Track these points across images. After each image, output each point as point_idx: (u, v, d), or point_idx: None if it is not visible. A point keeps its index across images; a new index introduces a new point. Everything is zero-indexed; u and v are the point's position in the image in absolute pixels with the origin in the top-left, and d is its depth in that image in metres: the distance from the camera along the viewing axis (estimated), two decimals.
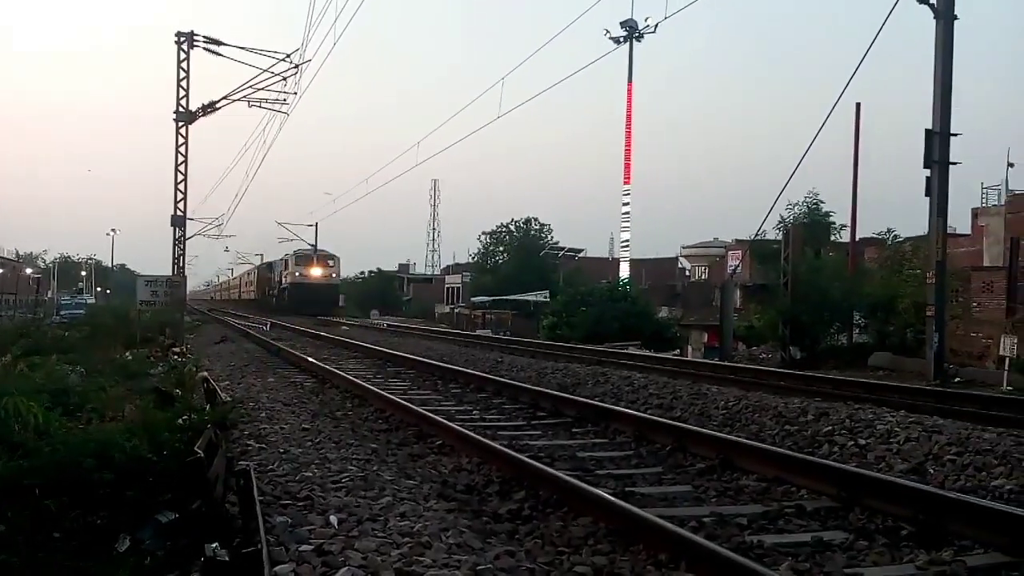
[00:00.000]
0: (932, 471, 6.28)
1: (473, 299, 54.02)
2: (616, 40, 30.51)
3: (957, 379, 17.07)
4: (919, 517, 4.87)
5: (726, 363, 18.75)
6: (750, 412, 8.82)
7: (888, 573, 4.29)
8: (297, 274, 52.17)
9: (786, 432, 7.94)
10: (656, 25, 30.22)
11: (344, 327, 32.11)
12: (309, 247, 55.41)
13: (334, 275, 54.71)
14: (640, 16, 31.19)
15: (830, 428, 7.73)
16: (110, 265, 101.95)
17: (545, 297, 45.68)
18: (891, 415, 7.91)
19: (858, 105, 28.59)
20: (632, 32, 30.26)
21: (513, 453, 6.82)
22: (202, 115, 25.78)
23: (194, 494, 5.38)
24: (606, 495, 5.45)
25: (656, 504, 5.62)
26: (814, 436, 7.62)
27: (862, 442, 7.19)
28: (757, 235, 28.59)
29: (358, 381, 12.23)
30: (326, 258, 54.52)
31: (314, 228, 63.94)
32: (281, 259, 58.48)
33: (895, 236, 38.02)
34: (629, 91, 31.06)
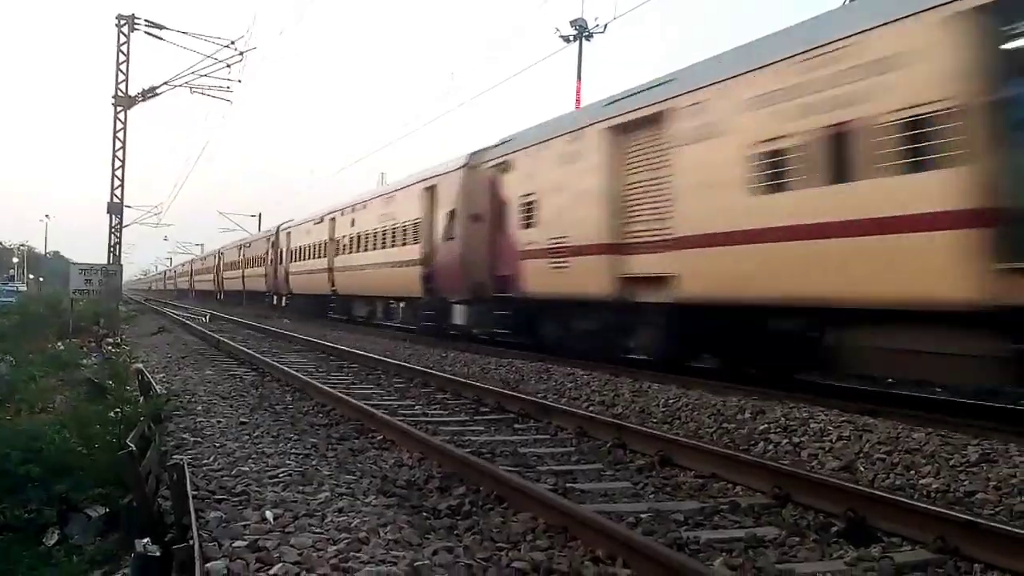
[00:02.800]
0: (863, 469, 6.44)
1: None
2: (566, 39, 30.65)
3: (889, 379, 17.52)
4: (849, 514, 4.99)
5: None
6: (689, 410, 8.94)
7: (818, 569, 4.38)
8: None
9: (724, 430, 8.06)
10: (606, 26, 30.47)
11: (286, 320, 31.57)
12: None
13: None
14: (590, 16, 31.53)
15: (766, 426, 7.87)
16: (43, 252, 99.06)
17: None
18: (824, 414, 8.08)
19: None
20: (582, 31, 30.40)
21: (454, 448, 6.82)
22: (142, 100, 25.20)
23: (125, 488, 5.27)
24: (545, 491, 5.48)
25: (596, 500, 5.66)
26: (751, 434, 7.75)
27: (796, 440, 7.34)
28: None
29: (299, 375, 12.07)
30: None
31: (257, 219, 62.83)
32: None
33: None
34: (578, 90, 31.26)
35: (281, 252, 38.68)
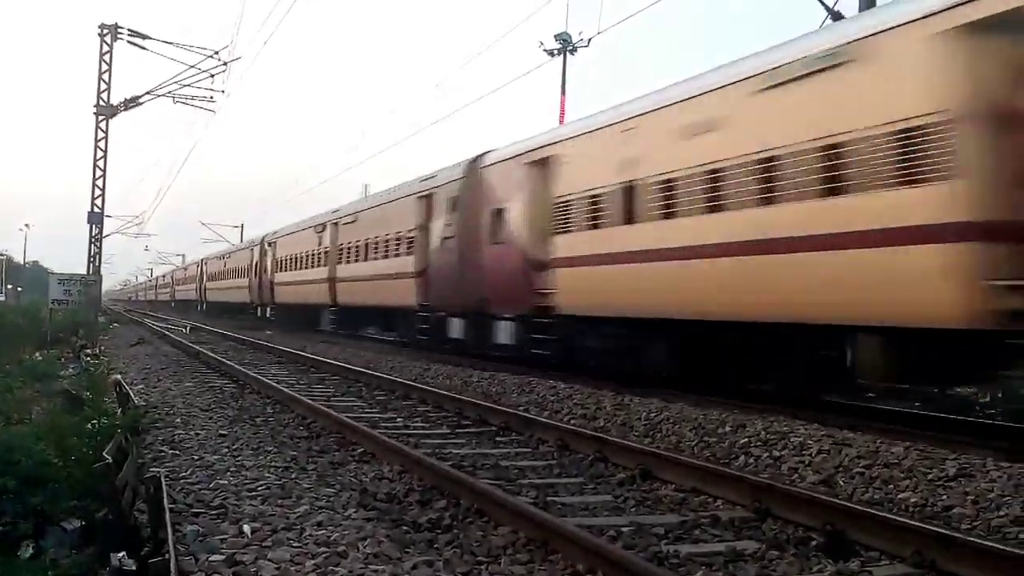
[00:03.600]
0: (842, 483, 6.46)
1: None
2: (550, 53, 30.77)
3: (870, 393, 17.60)
4: (828, 528, 5.01)
5: (649, 374, 18.94)
6: (671, 423, 8.95)
7: None
8: None
9: (705, 443, 8.08)
10: (589, 40, 30.63)
11: (268, 331, 31.39)
12: None
13: None
14: (574, 30, 31.64)
15: (746, 440, 7.89)
16: (22, 262, 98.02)
17: None
18: (804, 428, 8.12)
19: None
20: (566, 45, 30.56)
21: (435, 462, 6.79)
22: (124, 109, 25.08)
23: (101, 501, 5.21)
24: (526, 504, 5.46)
25: (577, 513, 5.65)
26: (731, 448, 7.77)
27: (776, 454, 7.37)
28: None
29: (279, 386, 12.00)
30: None
31: (239, 229, 62.35)
32: None
33: None
34: (562, 104, 31.41)
35: (486, 220, 16.41)
